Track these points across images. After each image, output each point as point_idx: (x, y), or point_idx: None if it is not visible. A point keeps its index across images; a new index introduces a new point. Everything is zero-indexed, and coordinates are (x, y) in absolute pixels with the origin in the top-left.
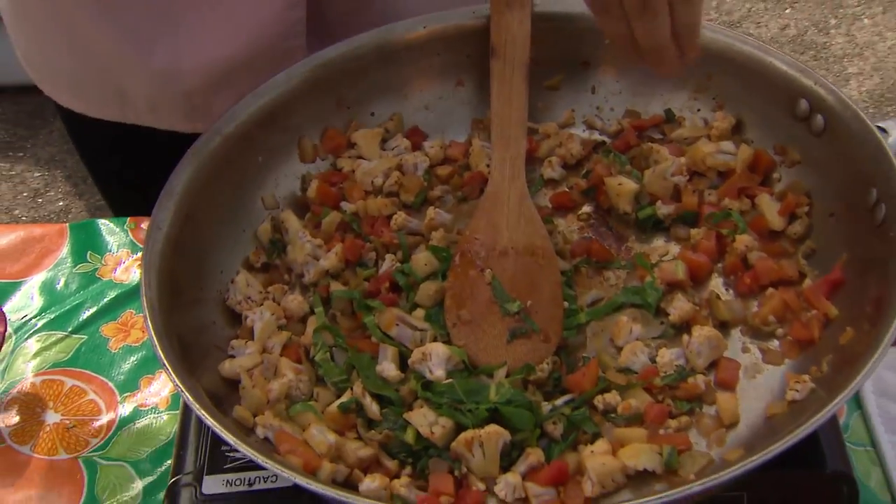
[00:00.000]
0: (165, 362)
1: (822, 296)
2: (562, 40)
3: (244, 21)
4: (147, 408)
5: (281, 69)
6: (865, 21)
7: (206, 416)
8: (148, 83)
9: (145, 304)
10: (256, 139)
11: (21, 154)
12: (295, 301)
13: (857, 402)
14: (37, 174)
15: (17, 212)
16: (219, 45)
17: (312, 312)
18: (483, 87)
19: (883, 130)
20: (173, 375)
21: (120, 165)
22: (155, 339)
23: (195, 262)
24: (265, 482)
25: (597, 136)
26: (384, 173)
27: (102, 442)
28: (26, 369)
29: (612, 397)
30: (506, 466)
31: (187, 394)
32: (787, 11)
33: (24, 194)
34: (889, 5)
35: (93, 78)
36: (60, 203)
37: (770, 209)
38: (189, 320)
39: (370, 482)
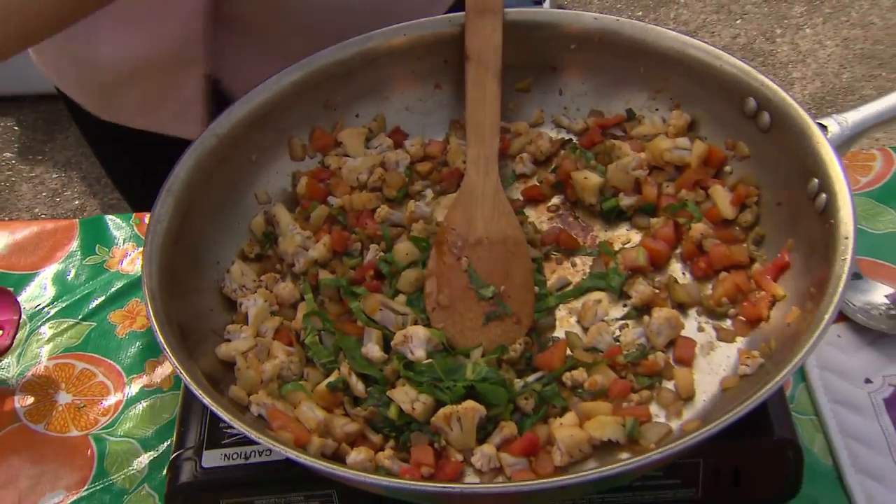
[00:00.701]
0: (166, 347)
1: (769, 278)
2: (531, 46)
3: (149, 26)
4: (152, 388)
5: (181, 74)
6: (807, 31)
7: (204, 395)
8: (77, 70)
9: (147, 294)
10: (250, 139)
11: (40, 157)
12: (286, 288)
13: (802, 375)
14: (55, 175)
15: (37, 210)
16: (127, 44)
17: (303, 299)
18: (459, 90)
19: (822, 126)
20: (173, 359)
21: (131, 163)
22: (156, 325)
23: (193, 254)
24: (260, 455)
25: (564, 134)
26: (368, 170)
27: (111, 420)
28: (40, 354)
29: (579, 374)
30: (482, 439)
31: (186, 376)
32: (737, 22)
33: (44, 194)
34: (828, 16)
35: (60, 57)
36: (76, 202)
37: (722, 199)
38: (188, 307)
39: (356, 455)
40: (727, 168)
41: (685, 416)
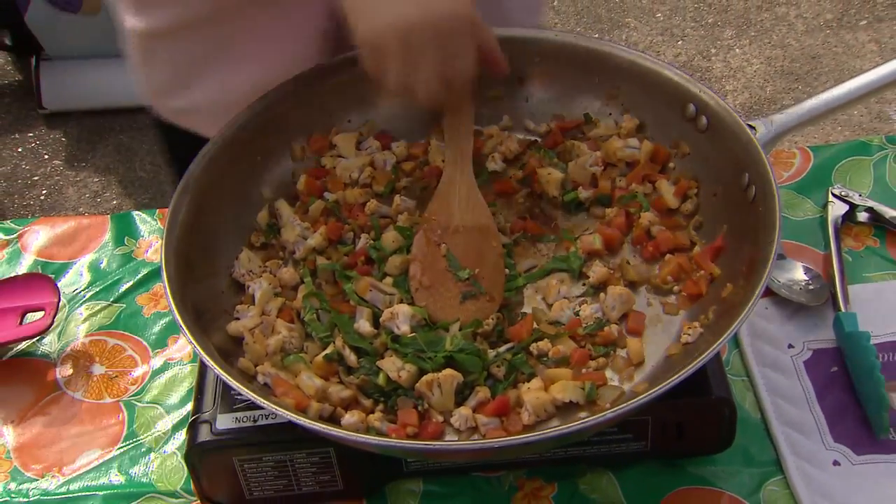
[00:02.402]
0: (182, 324)
1: (708, 259)
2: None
3: (284, 54)
4: (174, 361)
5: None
6: (737, 51)
7: (216, 366)
8: (204, 96)
9: (165, 278)
10: (256, 143)
11: (84, 164)
12: (288, 273)
13: (736, 342)
14: (96, 179)
15: (81, 209)
16: (260, 74)
17: (302, 282)
18: None
19: (752, 128)
20: (189, 335)
21: None
22: (174, 306)
23: (206, 244)
24: (266, 419)
25: (530, 136)
26: (359, 169)
27: (139, 388)
28: (77, 332)
29: (544, 344)
30: (459, 402)
31: (200, 350)
32: (679, 43)
33: (87, 195)
34: (753, 39)
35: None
36: (114, 202)
37: (667, 191)
38: (202, 290)
39: (350, 417)
40: (671, 164)
41: (636, 379)
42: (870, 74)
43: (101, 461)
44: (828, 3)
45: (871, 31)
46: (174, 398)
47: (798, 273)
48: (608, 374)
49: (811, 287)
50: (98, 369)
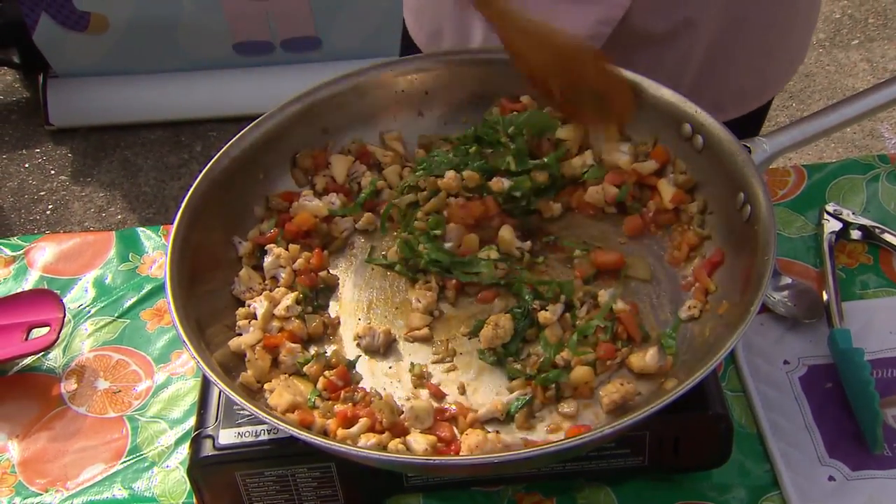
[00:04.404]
0: (185, 340)
1: (705, 274)
2: (499, 79)
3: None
4: (177, 376)
5: None
6: None
7: (219, 381)
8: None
9: (169, 294)
10: (258, 160)
11: (89, 179)
12: (281, 293)
13: (732, 358)
14: (101, 194)
15: (86, 223)
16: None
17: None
18: (439, 118)
19: (747, 147)
20: (192, 350)
21: None
22: (177, 321)
23: (209, 260)
24: (268, 433)
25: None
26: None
27: (142, 403)
28: (82, 347)
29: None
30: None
31: (203, 364)
32: None
33: (91, 210)
34: None
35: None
36: (119, 217)
37: (667, 191)
38: (204, 306)
39: (365, 441)
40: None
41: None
42: (862, 98)
43: (104, 475)
44: (820, 23)
45: (863, 51)
46: (177, 413)
47: (793, 290)
48: (612, 388)
49: (805, 304)
50: (102, 384)
